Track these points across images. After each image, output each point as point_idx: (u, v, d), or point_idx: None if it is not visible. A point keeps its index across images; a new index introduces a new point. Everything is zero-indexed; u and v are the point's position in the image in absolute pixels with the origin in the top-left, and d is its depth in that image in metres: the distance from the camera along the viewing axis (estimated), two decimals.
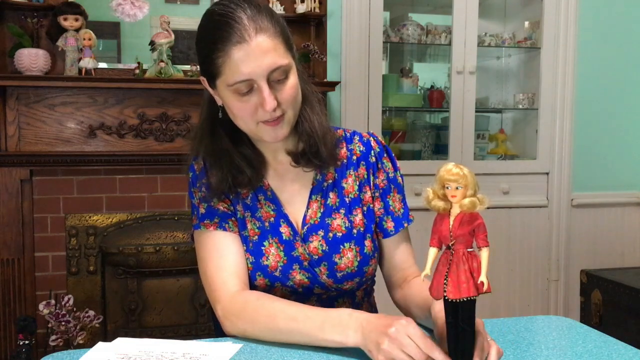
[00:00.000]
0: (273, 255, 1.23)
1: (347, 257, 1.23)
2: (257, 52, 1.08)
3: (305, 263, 1.23)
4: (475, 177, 0.86)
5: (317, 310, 1.08)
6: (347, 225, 1.25)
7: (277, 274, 1.23)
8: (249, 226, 1.24)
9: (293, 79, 1.14)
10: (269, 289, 1.23)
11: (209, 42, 1.11)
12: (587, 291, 3.13)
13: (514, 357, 1.01)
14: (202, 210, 1.24)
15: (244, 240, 1.24)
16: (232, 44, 1.08)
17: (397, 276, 1.32)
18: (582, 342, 1.09)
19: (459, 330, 0.89)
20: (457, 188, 0.85)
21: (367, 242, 1.26)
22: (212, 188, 1.22)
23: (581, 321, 2.98)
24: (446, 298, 0.86)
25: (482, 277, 0.85)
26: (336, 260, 1.23)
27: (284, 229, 1.24)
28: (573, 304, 3.44)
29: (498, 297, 3.35)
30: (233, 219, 1.24)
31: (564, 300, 3.49)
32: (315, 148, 1.22)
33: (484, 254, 0.86)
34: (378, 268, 1.35)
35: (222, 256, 1.21)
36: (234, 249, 1.22)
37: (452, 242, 0.86)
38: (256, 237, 1.24)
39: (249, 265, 1.23)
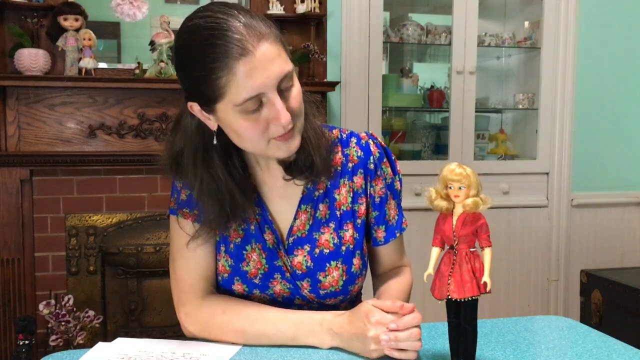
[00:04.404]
0: (254, 262, 1.17)
1: (332, 276, 1.16)
2: (264, 62, 0.97)
3: (288, 274, 1.17)
4: (478, 177, 0.86)
5: (287, 322, 1.08)
6: (335, 241, 1.17)
7: (256, 281, 1.17)
8: (232, 226, 1.16)
9: (298, 84, 1.05)
10: (246, 296, 1.19)
11: (205, 63, 0.97)
12: (587, 291, 3.13)
13: (514, 357, 1.01)
14: (183, 197, 1.17)
15: (224, 240, 1.18)
16: (234, 58, 0.96)
17: (381, 273, 1.30)
18: (582, 342, 1.09)
19: (460, 330, 0.89)
20: (460, 188, 0.85)
21: (356, 260, 1.18)
22: (208, 223, 1.14)
23: (581, 321, 2.98)
24: (450, 298, 0.86)
25: (486, 277, 0.85)
26: (320, 278, 1.16)
27: (268, 236, 1.17)
28: (573, 304, 3.44)
29: (498, 297, 3.35)
30: None
31: (564, 300, 3.48)
32: (309, 160, 1.13)
33: (487, 254, 0.86)
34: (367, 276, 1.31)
35: (194, 254, 1.16)
36: (208, 248, 1.17)
37: (456, 242, 0.86)
38: (239, 239, 1.17)
39: (227, 268, 1.18)
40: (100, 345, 1.07)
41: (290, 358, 1.02)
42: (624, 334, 1.77)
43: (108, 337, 2.74)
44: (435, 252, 0.89)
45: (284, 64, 1.00)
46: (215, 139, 1.08)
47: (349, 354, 1.03)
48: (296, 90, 1.04)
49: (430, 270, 0.90)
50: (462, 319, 0.88)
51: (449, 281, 0.86)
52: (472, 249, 0.87)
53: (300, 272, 1.17)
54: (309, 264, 1.17)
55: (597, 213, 3.52)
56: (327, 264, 1.17)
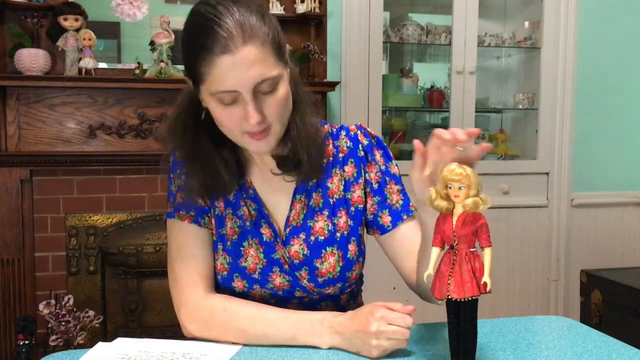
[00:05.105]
0: (252, 257, 1.18)
1: (329, 262, 1.18)
2: (243, 64, 1.00)
3: (286, 266, 1.19)
4: (478, 177, 0.86)
5: (287, 322, 1.08)
6: (330, 228, 1.20)
7: (255, 276, 1.19)
8: (228, 224, 1.19)
9: (282, 90, 1.06)
10: (247, 292, 1.20)
11: (193, 47, 1.03)
12: (587, 291, 3.14)
13: (514, 357, 1.01)
14: (178, 200, 1.20)
15: (221, 238, 1.20)
16: (215, 54, 0.99)
17: (408, 269, 1.20)
18: (582, 342, 1.09)
19: (460, 330, 0.89)
20: (460, 188, 0.85)
21: (351, 247, 1.20)
22: (192, 191, 1.17)
23: (581, 321, 2.98)
24: (449, 298, 0.86)
25: (486, 277, 0.85)
26: (317, 265, 1.18)
27: (265, 230, 1.19)
28: (573, 304, 3.44)
29: (498, 297, 3.35)
30: (209, 214, 1.20)
31: (564, 300, 3.49)
32: (297, 158, 1.15)
33: (487, 254, 0.86)
34: (366, 269, 1.29)
35: (193, 254, 1.18)
36: (206, 248, 1.19)
37: (456, 242, 0.86)
38: (236, 236, 1.19)
39: (226, 266, 1.19)
40: (100, 345, 1.07)
41: (290, 358, 1.02)
42: (624, 334, 1.78)
43: (108, 337, 2.74)
44: (435, 252, 0.89)
45: (265, 70, 1.02)
46: (203, 114, 1.12)
47: (349, 354, 1.03)
48: (279, 96, 1.06)
49: (430, 270, 0.90)
50: (462, 319, 0.88)
51: (449, 281, 0.86)
52: (472, 249, 0.86)
53: (297, 262, 1.19)
54: (305, 252, 1.19)
55: (597, 213, 3.52)
56: (323, 250, 1.19)
